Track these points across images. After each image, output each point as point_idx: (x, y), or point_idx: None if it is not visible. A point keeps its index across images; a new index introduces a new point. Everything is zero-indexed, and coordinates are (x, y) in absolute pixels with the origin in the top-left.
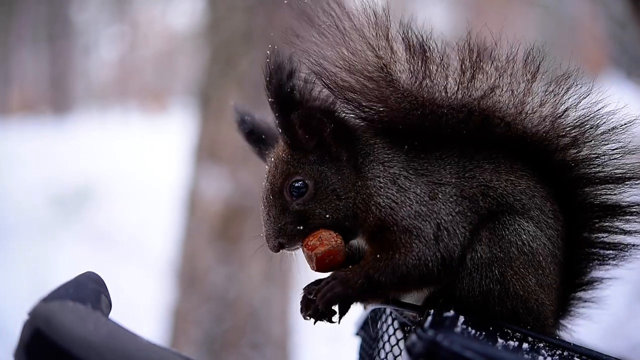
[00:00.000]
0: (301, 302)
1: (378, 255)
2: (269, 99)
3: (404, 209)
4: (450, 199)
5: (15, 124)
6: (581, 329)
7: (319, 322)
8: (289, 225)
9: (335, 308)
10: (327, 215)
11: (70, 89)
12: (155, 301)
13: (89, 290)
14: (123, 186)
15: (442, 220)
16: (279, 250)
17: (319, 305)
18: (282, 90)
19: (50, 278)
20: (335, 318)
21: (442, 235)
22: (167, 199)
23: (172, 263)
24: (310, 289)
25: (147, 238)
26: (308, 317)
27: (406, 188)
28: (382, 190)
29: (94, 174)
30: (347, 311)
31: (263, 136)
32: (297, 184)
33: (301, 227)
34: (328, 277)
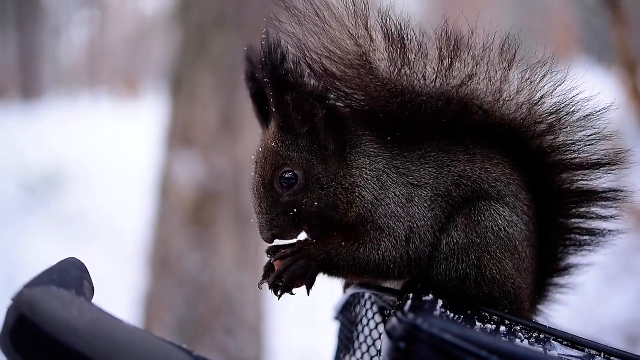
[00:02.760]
0: (264, 268)
1: (343, 243)
2: (265, 79)
3: (383, 207)
4: (425, 204)
5: None
6: (552, 312)
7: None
8: (281, 217)
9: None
10: (315, 204)
11: (40, 73)
12: (128, 287)
13: (72, 276)
14: (94, 171)
15: (415, 225)
16: (272, 241)
17: (284, 278)
18: (277, 71)
19: (21, 264)
20: (296, 290)
21: (413, 238)
22: (139, 184)
23: (144, 248)
24: (275, 255)
25: (119, 223)
26: (269, 286)
27: (387, 187)
28: (368, 182)
29: (64, 159)
30: (313, 283)
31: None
32: (287, 175)
33: (292, 218)
34: (293, 248)
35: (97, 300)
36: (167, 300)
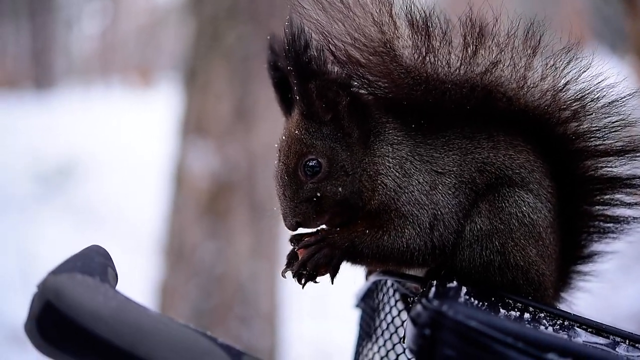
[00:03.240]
0: (288, 256)
1: (367, 231)
2: (288, 67)
3: (406, 194)
4: (449, 191)
5: None
6: (574, 299)
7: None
8: (304, 204)
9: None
10: (340, 190)
11: (52, 63)
12: (142, 277)
13: (96, 263)
14: (107, 162)
15: (439, 212)
16: (296, 229)
17: (308, 266)
18: (301, 59)
19: (35, 254)
20: (319, 279)
21: (437, 225)
22: (153, 174)
23: (159, 238)
24: (299, 243)
25: (133, 213)
26: (293, 274)
27: (411, 174)
28: (390, 170)
29: (77, 150)
30: (338, 271)
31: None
32: (311, 163)
33: (315, 205)
34: (317, 236)
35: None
36: (181, 290)
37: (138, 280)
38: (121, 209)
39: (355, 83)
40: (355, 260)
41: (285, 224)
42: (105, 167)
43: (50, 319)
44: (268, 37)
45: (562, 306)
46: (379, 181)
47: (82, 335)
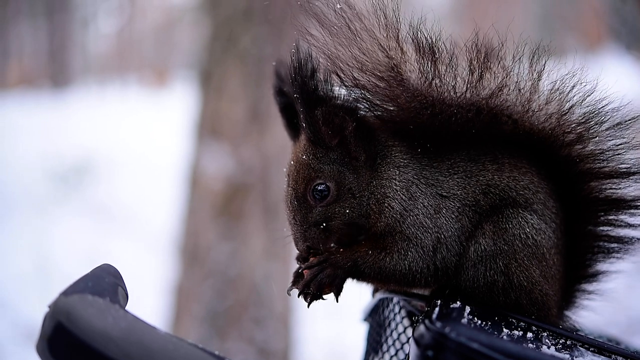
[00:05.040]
0: (294, 274)
1: (370, 252)
2: (295, 95)
3: (411, 217)
4: (452, 215)
5: (14, 98)
6: (580, 317)
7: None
8: (313, 228)
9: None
10: (348, 212)
11: (69, 62)
12: (157, 278)
13: (107, 283)
14: (123, 161)
15: (442, 236)
16: (308, 252)
17: (312, 286)
18: (307, 86)
19: (52, 254)
20: (326, 296)
21: (440, 248)
22: (168, 174)
23: (174, 239)
24: (304, 264)
25: (148, 213)
26: (298, 294)
27: (416, 197)
28: (397, 193)
29: (93, 149)
30: (341, 290)
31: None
32: (319, 187)
33: (325, 229)
34: (320, 257)
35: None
36: (196, 291)
37: (154, 281)
38: (136, 209)
39: (362, 107)
40: (358, 279)
41: (297, 248)
42: (120, 167)
43: (62, 340)
44: (273, 64)
45: (570, 323)
46: (386, 204)
47: (92, 356)
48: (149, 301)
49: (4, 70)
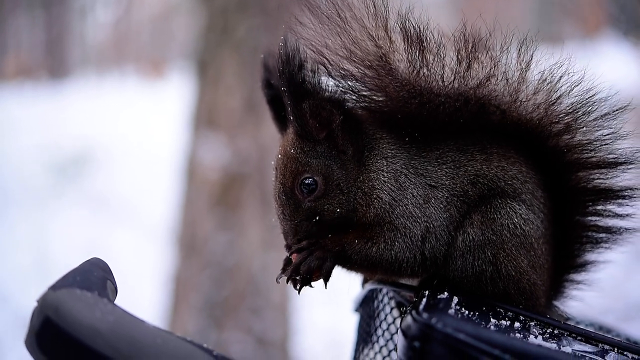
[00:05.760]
0: (283, 261)
1: (357, 240)
2: (282, 87)
3: (400, 207)
4: (441, 205)
5: (12, 89)
6: (568, 307)
7: (315, 284)
8: (303, 222)
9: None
10: (337, 209)
11: (67, 53)
12: (155, 268)
13: (95, 277)
14: (121, 152)
15: (431, 225)
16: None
17: (301, 270)
18: (294, 79)
19: (50, 244)
20: (314, 283)
21: (429, 238)
22: (166, 164)
23: (171, 229)
24: (293, 249)
25: (146, 204)
26: (287, 279)
27: (405, 187)
28: (385, 184)
29: (91, 140)
30: (330, 275)
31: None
32: (307, 181)
33: (315, 223)
34: (310, 241)
35: (124, 281)
36: (193, 281)
37: (151, 271)
38: (134, 200)
39: (349, 99)
40: (345, 265)
41: (287, 242)
42: (118, 158)
43: (50, 334)
44: (262, 56)
45: (560, 311)
46: (374, 196)
47: (81, 350)
48: (147, 291)
49: (1, 62)
